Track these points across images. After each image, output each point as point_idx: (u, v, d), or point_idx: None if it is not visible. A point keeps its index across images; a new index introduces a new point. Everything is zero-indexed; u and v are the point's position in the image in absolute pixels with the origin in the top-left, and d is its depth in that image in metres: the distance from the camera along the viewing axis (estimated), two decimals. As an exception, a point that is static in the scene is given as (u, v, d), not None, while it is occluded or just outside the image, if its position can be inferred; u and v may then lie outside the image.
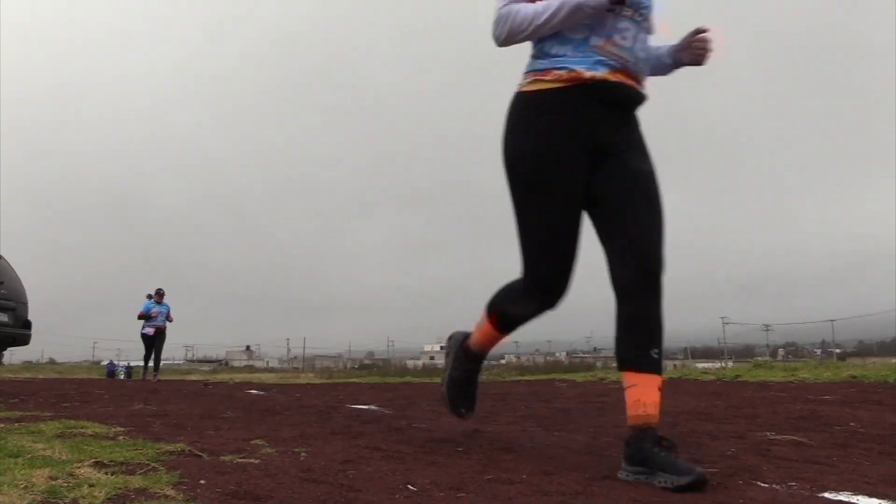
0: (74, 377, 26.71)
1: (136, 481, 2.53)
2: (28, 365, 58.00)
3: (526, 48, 3.28)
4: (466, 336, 3.90)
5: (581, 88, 3.02)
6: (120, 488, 2.41)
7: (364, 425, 4.66)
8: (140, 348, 16.52)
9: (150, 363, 17.21)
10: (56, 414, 5.11)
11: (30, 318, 9.72)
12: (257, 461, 3.10)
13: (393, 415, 5.49)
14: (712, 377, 9.98)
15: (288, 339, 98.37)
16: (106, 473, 2.66)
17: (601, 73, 3.03)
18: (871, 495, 2.66)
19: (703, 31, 3.30)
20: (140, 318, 16.19)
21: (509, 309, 3.57)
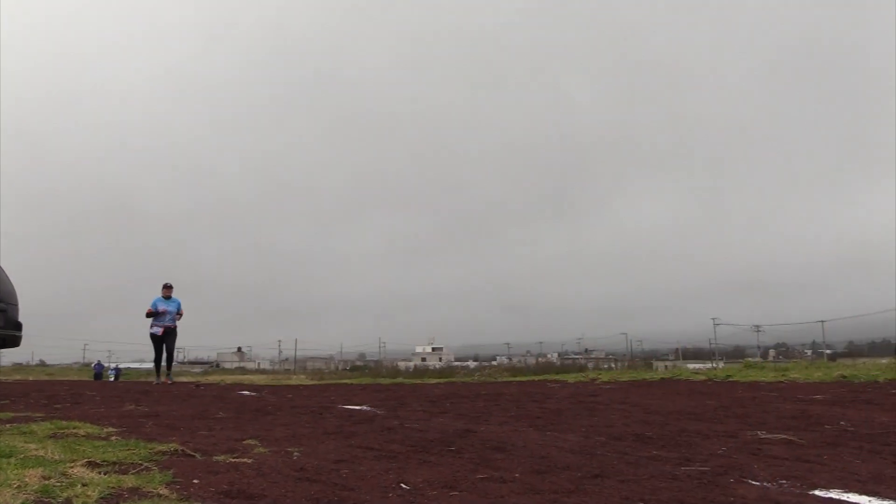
0: (65, 379, 26.60)
1: (129, 481, 2.54)
2: (18, 367, 57.83)
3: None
4: None
5: None
6: (113, 487, 2.42)
7: (356, 425, 4.66)
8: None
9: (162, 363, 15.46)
10: (48, 415, 5.09)
11: (20, 319, 9.67)
12: (250, 461, 3.10)
13: (385, 415, 5.49)
14: (703, 377, 10.01)
15: (279, 340, 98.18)
16: (99, 473, 2.66)
17: None
18: (860, 492, 2.68)
19: None
20: (148, 315, 14.60)
21: None
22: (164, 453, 3.22)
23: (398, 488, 2.64)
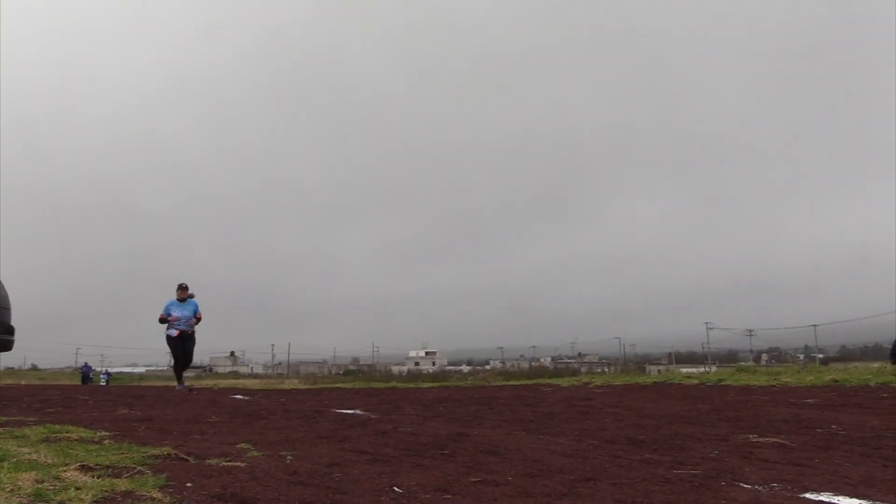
0: (58, 383, 26.52)
1: (122, 484, 2.54)
2: (10, 371, 57.56)
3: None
4: None
5: None
6: (106, 491, 2.42)
7: (349, 429, 4.67)
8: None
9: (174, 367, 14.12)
10: (40, 419, 5.09)
11: (13, 323, 9.64)
12: (243, 464, 3.11)
13: (378, 419, 5.50)
14: (696, 381, 10.03)
15: (273, 345, 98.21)
16: (92, 476, 2.67)
17: None
18: (851, 496, 2.70)
19: None
20: (161, 321, 13.42)
21: None
22: (157, 457, 3.22)
23: (391, 492, 2.65)
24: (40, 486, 2.44)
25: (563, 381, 11.81)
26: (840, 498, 2.66)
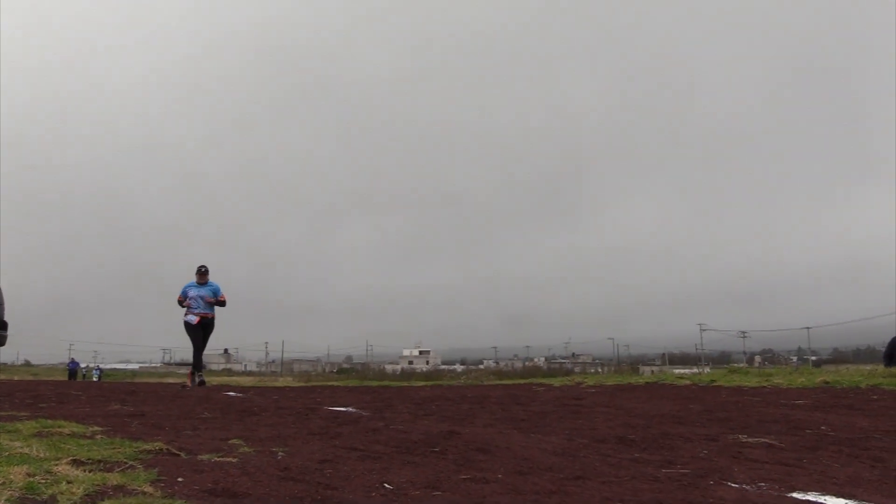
0: (50, 379, 26.47)
1: (113, 478, 2.55)
2: (3, 367, 57.50)
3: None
4: None
5: None
6: (98, 485, 2.44)
7: (341, 426, 4.68)
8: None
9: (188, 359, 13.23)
10: (32, 414, 5.08)
11: (6, 319, 9.61)
12: (235, 460, 3.12)
13: (370, 416, 5.51)
14: (688, 382, 10.07)
15: (266, 342, 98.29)
16: (84, 471, 2.68)
17: None
18: (838, 495, 2.73)
19: None
20: (179, 303, 12.67)
21: None
22: (149, 452, 3.23)
23: (381, 488, 2.66)
24: (32, 479, 2.45)
25: (556, 381, 11.84)
26: (827, 497, 2.68)
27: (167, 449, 3.33)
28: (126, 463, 2.89)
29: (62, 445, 3.34)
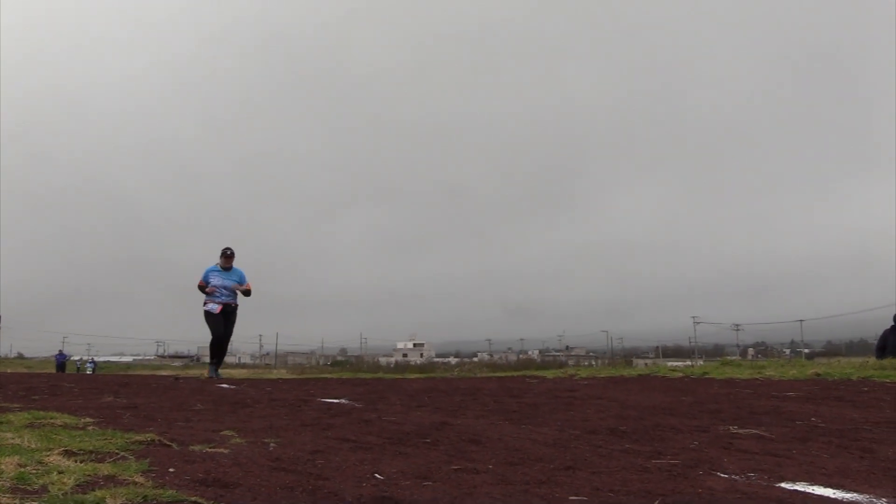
0: (44, 372, 26.43)
1: (105, 469, 2.56)
2: (-4, 359, 57.35)
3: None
4: None
5: None
6: (89, 475, 2.44)
7: (334, 418, 4.69)
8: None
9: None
10: (25, 406, 5.08)
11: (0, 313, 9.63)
12: (226, 451, 3.13)
13: (363, 408, 5.52)
14: (680, 374, 10.09)
15: (260, 335, 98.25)
16: (75, 461, 2.68)
17: None
18: (826, 485, 2.75)
19: None
20: (201, 289, 11.50)
21: None
22: (140, 443, 3.24)
23: (372, 478, 2.68)
24: (23, 469, 2.46)
25: (549, 374, 11.85)
26: (815, 487, 2.70)
27: (159, 440, 3.34)
28: (117, 453, 2.90)
29: (54, 436, 3.34)
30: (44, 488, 2.25)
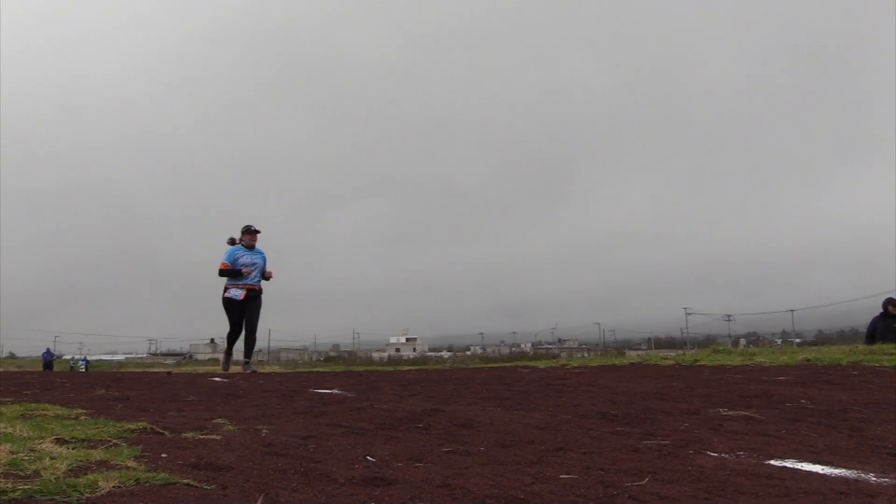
0: (36, 370, 26.36)
1: (97, 454, 2.57)
2: (-13, 358, 57.14)
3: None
4: None
5: None
6: (81, 461, 2.45)
7: (326, 406, 4.71)
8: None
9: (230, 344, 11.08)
10: (17, 399, 5.08)
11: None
12: (219, 437, 3.14)
13: (356, 397, 5.53)
14: (672, 362, 10.13)
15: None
16: (67, 448, 2.69)
17: None
18: (814, 462, 2.77)
19: None
20: (222, 273, 10.09)
21: None
22: (133, 431, 3.25)
23: (364, 461, 2.69)
24: (15, 456, 2.46)
25: (541, 363, 11.89)
26: (803, 464, 2.72)
27: (151, 428, 3.35)
28: (110, 441, 2.91)
29: (46, 426, 3.35)
30: (36, 473, 2.25)
